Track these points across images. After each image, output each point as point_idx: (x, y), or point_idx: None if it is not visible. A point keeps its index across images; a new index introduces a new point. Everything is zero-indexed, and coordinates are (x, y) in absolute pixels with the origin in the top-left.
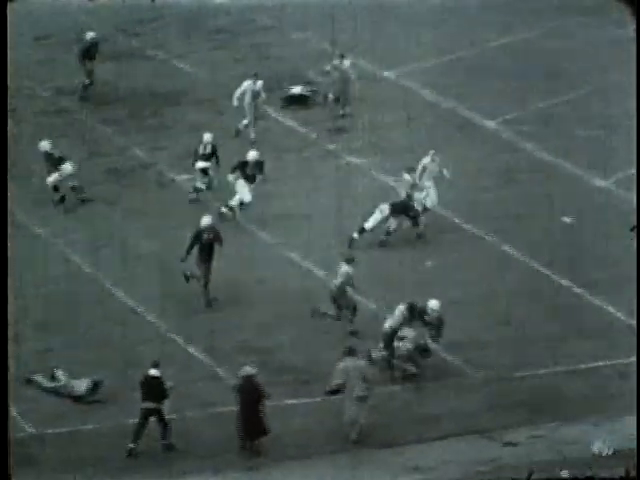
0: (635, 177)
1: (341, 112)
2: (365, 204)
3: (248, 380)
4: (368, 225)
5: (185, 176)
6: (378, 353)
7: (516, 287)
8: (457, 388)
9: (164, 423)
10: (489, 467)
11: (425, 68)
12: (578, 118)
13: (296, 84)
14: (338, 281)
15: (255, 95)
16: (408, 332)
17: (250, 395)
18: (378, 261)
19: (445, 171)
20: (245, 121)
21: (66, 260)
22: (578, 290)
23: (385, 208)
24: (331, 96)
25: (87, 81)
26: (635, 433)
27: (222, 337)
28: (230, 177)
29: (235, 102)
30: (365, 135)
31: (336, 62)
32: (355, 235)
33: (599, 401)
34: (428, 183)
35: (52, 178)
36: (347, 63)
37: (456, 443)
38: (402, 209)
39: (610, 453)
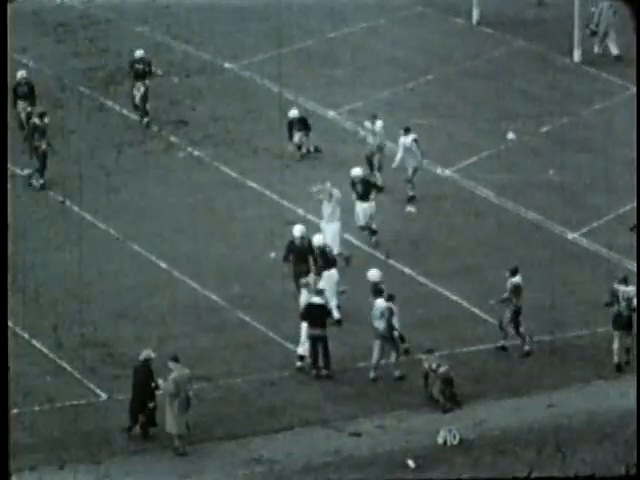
0: None
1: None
2: (209, 195)
3: (145, 364)
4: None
5: (26, 171)
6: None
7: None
8: (298, 379)
9: None
10: (334, 458)
11: (265, 59)
12: (418, 106)
13: None
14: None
15: (378, 136)
16: None
17: (142, 379)
18: None
19: None
20: (375, 173)
21: None
22: (422, 279)
23: None
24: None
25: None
26: None
27: (66, 331)
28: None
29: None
30: (206, 127)
31: (367, 124)
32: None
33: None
34: None
35: None
36: (379, 124)
37: (301, 434)
38: None
39: (456, 443)
